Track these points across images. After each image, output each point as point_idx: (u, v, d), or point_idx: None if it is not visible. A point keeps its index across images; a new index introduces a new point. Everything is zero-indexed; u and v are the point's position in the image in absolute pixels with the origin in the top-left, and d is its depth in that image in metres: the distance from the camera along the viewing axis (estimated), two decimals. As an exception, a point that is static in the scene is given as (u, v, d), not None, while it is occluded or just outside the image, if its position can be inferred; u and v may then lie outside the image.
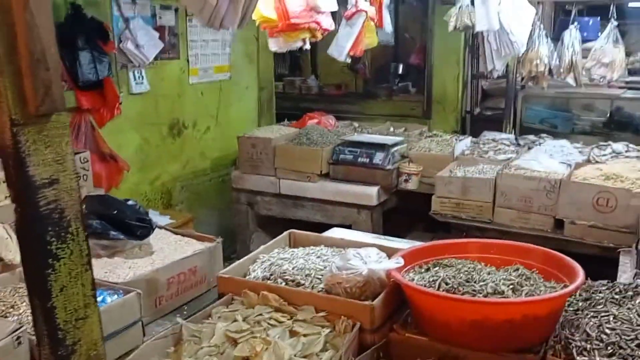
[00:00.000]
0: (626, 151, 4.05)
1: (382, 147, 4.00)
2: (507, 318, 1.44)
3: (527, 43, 4.44)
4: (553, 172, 3.54)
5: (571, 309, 1.64)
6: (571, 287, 1.50)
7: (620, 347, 1.45)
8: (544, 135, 4.45)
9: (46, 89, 1.17)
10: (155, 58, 4.28)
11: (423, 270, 1.73)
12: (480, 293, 1.53)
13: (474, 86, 6.33)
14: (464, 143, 4.30)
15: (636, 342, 1.46)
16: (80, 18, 3.70)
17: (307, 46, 2.20)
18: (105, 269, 2.37)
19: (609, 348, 1.45)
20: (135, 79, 4.20)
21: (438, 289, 1.57)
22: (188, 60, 4.64)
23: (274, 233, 4.67)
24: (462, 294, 1.53)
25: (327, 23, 2.08)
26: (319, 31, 2.03)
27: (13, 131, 1.15)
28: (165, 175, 4.60)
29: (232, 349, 1.48)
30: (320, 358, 1.47)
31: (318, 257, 1.90)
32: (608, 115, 5.79)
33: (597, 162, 3.74)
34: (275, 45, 2.19)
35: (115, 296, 2.08)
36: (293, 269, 1.81)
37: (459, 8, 4.05)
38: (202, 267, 2.48)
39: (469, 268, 1.65)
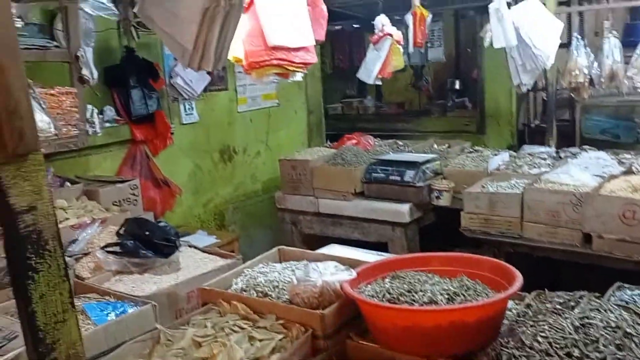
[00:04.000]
0: (674, 160, 3.88)
1: (412, 164, 4.10)
2: (434, 324, 1.55)
3: (567, 54, 4.39)
4: (582, 186, 3.47)
5: (520, 318, 1.71)
6: (498, 296, 1.59)
7: (548, 354, 1.51)
8: (586, 147, 4.33)
9: (20, 135, 1.46)
10: (205, 90, 4.68)
11: (382, 282, 1.86)
12: (417, 302, 1.65)
13: (532, 98, 6.23)
14: (501, 158, 4.29)
15: (565, 350, 1.51)
16: (133, 59, 4.14)
17: (297, 78, 2.40)
18: (133, 283, 2.66)
19: (537, 356, 1.52)
20: (185, 110, 4.61)
21: (382, 299, 1.70)
22: (236, 91, 5.00)
23: (318, 251, 4.84)
24: (401, 303, 1.66)
25: (304, 58, 2.27)
26: (292, 66, 2.22)
27: (-4, 169, 1.45)
28: (218, 198, 4.95)
29: (195, 351, 1.69)
30: (269, 359, 1.65)
31: (292, 270, 2.09)
32: (675, 123, 5.50)
33: (633, 173, 3.62)
34: (252, 79, 2.42)
35: (136, 308, 2.35)
36: (265, 281, 2.01)
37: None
38: (220, 282, 2.72)
39: (415, 279, 1.77)
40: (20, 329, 2.09)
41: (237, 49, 2.19)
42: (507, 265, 1.79)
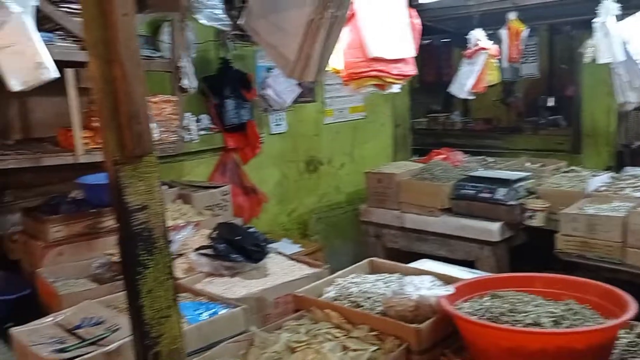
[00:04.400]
0: None
1: (505, 182, 3.98)
2: (540, 348, 1.47)
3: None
4: (694, 211, 3.23)
5: (631, 348, 1.60)
6: (609, 323, 1.49)
7: (665, 390, 1.40)
8: (697, 171, 4.03)
9: (138, 137, 1.55)
10: (294, 102, 4.76)
11: (480, 299, 1.80)
12: (520, 323, 1.58)
13: (634, 118, 5.88)
14: (600, 179, 4.07)
15: (685, 386, 1.40)
16: (228, 70, 4.30)
17: (394, 90, 2.40)
18: (224, 286, 2.73)
19: (652, 390, 1.41)
20: (275, 121, 4.71)
21: (481, 317, 1.64)
22: (324, 103, 5.06)
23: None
24: (502, 323, 1.60)
25: (401, 70, 2.26)
26: (390, 78, 2.22)
27: (115, 169, 1.54)
28: (302, 208, 5.01)
29: (289, 356, 1.71)
30: (362, 371, 1.64)
31: (385, 283, 2.06)
32: None
33: None
34: (349, 91, 2.44)
35: (227, 309, 2.40)
36: (358, 291, 2.00)
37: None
38: (308, 290, 2.73)
39: (517, 299, 1.70)
40: (122, 321, 2.21)
41: (336, 60, 2.22)
42: (619, 290, 1.68)
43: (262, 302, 2.59)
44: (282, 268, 2.97)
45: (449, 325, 1.76)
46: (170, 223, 3.32)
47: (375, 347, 1.72)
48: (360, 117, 5.38)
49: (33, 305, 2.91)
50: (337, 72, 2.31)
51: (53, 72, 2.20)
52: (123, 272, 1.63)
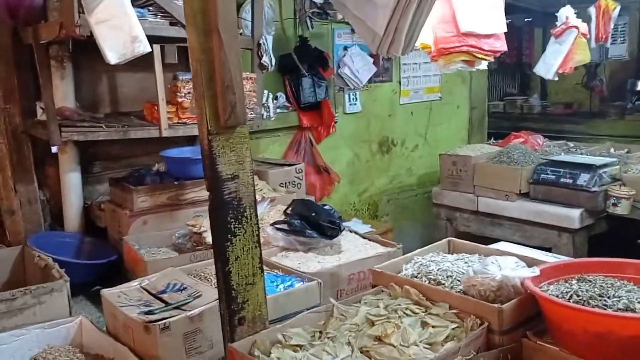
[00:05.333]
0: None
1: (588, 167, 3.82)
2: (633, 334, 1.42)
3: None
4: None
5: None
6: None
7: None
8: None
9: (232, 108, 1.59)
10: (369, 81, 4.74)
11: (565, 283, 1.76)
12: (611, 308, 1.53)
13: None
14: (694, 167, 3.84)
15: None
16: (305, 49, 4.32)
17: (482, 66, 2.34)
18: (299, 260, 2.78)
19: None
20: (349, 100, 4.71)
21: (568, 300, 1.60)
22: (400, 83, 5.00)
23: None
24: (592, 307, 1.55)
25: (493, 45, 2.20)
26: (481, 54, 2.16)
27: (209, 138, 1.59)
28: (373, 188, 5.00)
29: (368, 328, 1.73)
30: (442, 346, 1.63)
31: (465, 262, 2.04)
32: None
33: None
34: (436, 68, 2.39)
35: (302, 283, 2.45)
36: (438, 270, 1.99)
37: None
38: (381, 268, 2.74)
39: (607, 284, 1.65)
40: (203, 289, 2.29)
41: (425, 36, 2.19)
42: None
43: (336, 277, 2.63)
44: (355, 245, 2.99)
45: (532, 306, 1.73)
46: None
47: (455, 325, 1.71)
48: (436, 98, 5.29)
49: (118, 270, 3.08)
50: (426, 47, 2.27)
51: (147, 46, 2.29)
52: (213, 239, 1.70)
